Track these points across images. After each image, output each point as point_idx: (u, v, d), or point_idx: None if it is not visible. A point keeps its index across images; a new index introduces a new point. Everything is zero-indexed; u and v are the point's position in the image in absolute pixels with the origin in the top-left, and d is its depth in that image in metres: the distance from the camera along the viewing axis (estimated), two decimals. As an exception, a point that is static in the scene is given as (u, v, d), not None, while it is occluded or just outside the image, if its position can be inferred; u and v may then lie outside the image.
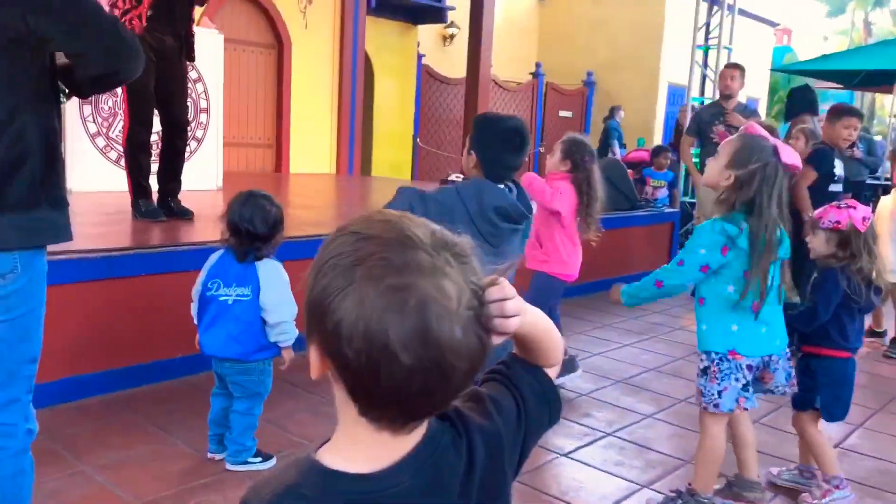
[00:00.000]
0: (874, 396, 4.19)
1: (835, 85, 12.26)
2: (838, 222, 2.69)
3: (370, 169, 11.38)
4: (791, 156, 2.45)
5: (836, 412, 2.80)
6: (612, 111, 11.88)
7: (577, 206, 3.77)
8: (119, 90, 4.53)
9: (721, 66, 8.64)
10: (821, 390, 2.75)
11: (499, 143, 2.44)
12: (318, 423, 3.31)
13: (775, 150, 2.40)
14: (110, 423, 3.25)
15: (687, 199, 8.63)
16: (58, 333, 3.11)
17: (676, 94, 14.38)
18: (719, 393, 2.51)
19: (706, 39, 8.83)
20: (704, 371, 2.56)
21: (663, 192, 7.87)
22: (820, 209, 2.81)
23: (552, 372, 1.02)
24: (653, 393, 4.07)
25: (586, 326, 5.36)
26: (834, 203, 2.80)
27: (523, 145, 2.48)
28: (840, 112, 5.08)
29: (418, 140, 11.88)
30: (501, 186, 2.47)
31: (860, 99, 15.50)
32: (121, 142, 5.80)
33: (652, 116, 14.27)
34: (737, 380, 2.49)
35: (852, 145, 5.55)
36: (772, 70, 13.94)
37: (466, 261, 0.78)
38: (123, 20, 4.29)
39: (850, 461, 3.26)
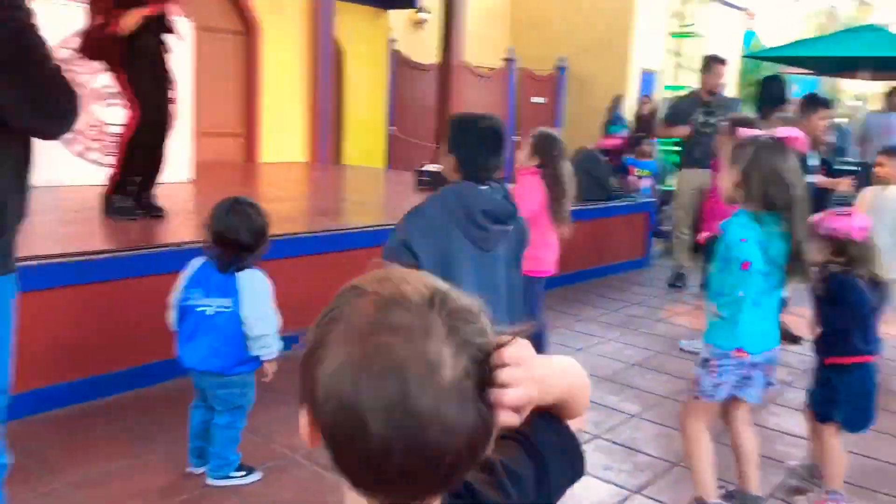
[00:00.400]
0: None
1: (803, 70, 12.33)
2: (835, 230, 2.68)
3: (343, 157, 11.21)
4: (787, 131, 2.46)
5: (858, 423, 2.80)
6: (616, 100, 11.81)
7: (547, 201, 3.70)
8: (118, 82, 4.39)
9: (694, 54, 8.66)
10: (841, 405, 2.74)
11: (476, 144, 2.39)
12: (292, 432, 3.22)
13: (766, 135, 2.44)
14: (86, 435, 3.13)
15: (662, 187, 8.65)
16: (30, 341, 2.98)
17: (649, 80, 14.39)
18: (715, 386, 2.52)
19: (680, 27, 8.82)
20: (704, 362, 2.55)
21: (648, 182, 7.86)
22: (818, 215, 2.79)
23: (578, 422, 0.95)
24: (637, 390, 4.05)
25: (567, 320, 5.33)
26: (832, 210, 2.79)
27: (501, 144, 2.44)
28: (815, 104, 5.10)
29: (393, 129, 11.73)
30: (485, 187, 2.42)
31: (822, 83, 15.65)
32: (107, 135, 5.65)
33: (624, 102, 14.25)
34: (735, 376, 2.49)
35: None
36: (745, 56, 14.00)
37: (470, 320, 0.68)
38: (109, 20, 4.13)
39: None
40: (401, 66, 12.15)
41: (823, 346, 2.80)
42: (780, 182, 2.35)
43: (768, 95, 6.36)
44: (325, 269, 4.48)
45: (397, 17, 12.28)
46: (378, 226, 4.84)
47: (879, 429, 3.67)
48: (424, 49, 12.05)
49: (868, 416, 2.79)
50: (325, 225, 5.00)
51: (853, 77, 11.63)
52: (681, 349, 4.75)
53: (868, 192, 4.85)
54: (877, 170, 4.90)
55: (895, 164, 4.84)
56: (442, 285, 0.72)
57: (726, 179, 2.48)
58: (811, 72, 12.31)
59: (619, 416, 3.67)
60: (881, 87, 16.57)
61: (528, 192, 3.66)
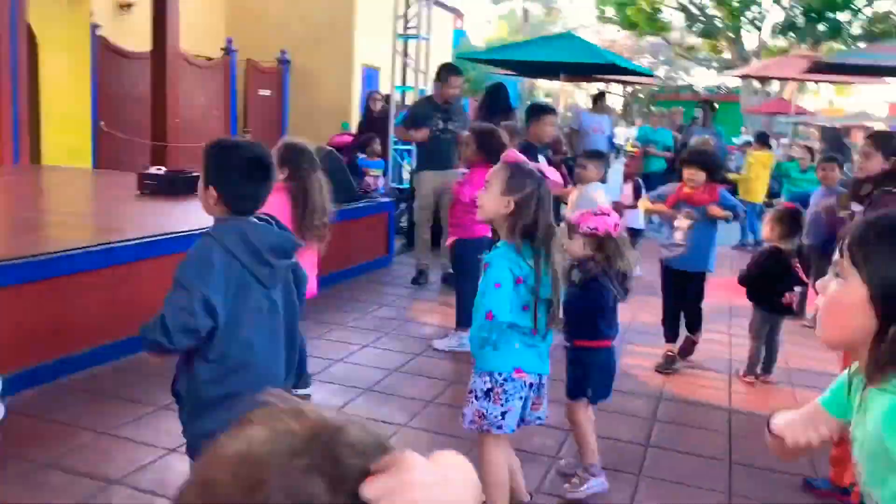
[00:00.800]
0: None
1: (507, 72, 13.38)
2: (595, 228, 2.91)
3: (41, 156, 9.88)
4: (554, 174, 2.60)
5: (601, 394, 3.11)
6: (389, 97, 11.61)
7: (294, 218, 3.42)
8: None
9: (418, 54, 8.95)
10: (591, 378, 3.03)
11: (240, 175, 2.18)
12: (33, 495, 2.75)
13: (541, 173, 2.51)
14: None
15: (398, 185, 8.85)
16: None
17: (371, 77, 14.63)
18: (503, 414, 2.53)
19: (405, 29, 9.05)
20: (487, 393, 2.54)
21: (381, 182, 7.94)
22: (577, 215, 3.02)
23: None
24: (402, 398, 4.06)
25: (321, 329, 5.18)
26: (590, 210, 3.03)
27: (269, 173, 2.27)
28: (542, 111, 5.54)
29: (102, 124, 10.58)
30: (262, 222, 2.24)
31: (520, 82, 17.16)
32: None
33: (348, 98, 14.34)
34: (520, 398, 2.54)
35: None
36: (458, 57, 14.80)
37: (355, 454, 0.60)
38: None
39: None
40: (106, 53, 11.01)
41: (572, 330, 3.01)
42: (547, 221, 2.46)
43: (494, 103, 6.72)
44: (37, 301, 3.86)
45: (100, 1, 11.11)
46: (100, 244, 4.27)
47: (616, 409, 4.05)
48: (134, 35, 11.02)
49: (609, 388, 3.15)
50: (33, 246, 4.27)
51: (553, 79, 12.90)
52: (435, 349, 4.86)
53: (574, 191, 5.39)
54: (579, 171, 5.46)
55: (594, 165, 5.44)
56: (330, 418, 0.64)
57: (494, 203, 2.48)
58: (515, 73, 13.41)
59: (390, 429, 3.65)
60: (569, 86, 18.62)
61: (274, 210, 3.43)
